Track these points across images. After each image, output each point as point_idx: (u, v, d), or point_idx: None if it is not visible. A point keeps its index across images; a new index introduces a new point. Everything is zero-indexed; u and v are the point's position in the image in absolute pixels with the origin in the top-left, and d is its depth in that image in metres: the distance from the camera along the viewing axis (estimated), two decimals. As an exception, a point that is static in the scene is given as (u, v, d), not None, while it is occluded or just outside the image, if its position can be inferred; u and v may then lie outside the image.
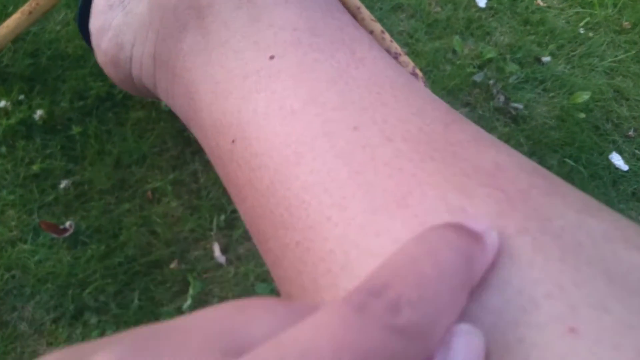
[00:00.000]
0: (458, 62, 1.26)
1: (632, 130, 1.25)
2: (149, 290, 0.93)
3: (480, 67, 1.26)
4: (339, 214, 0.19)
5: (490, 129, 1.19)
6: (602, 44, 1.36)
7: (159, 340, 0.12)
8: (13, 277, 0.91)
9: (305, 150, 0.21)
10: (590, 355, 0.15)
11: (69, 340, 0.88)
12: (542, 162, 1.16)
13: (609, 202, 1.14)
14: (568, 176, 1.15)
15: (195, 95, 0.25)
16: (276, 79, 0.22)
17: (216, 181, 1.02)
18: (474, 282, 0.16)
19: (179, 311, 0.92)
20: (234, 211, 0.98)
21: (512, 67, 1.27)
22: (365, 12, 0.89)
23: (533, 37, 1.34)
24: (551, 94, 1.26)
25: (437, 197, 0.19)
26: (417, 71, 0.88)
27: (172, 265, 0.95)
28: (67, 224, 0.95)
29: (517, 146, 1.18)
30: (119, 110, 1.05)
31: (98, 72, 1.05)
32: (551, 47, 1.33)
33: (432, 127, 0.21)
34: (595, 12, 1.41)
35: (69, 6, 1.11)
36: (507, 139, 1.18)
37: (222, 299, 0.94)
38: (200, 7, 0.25)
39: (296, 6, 0.24)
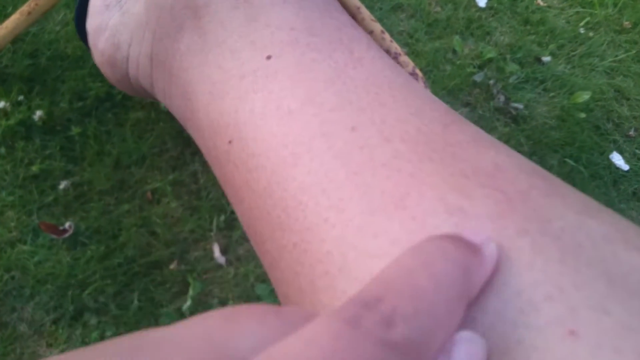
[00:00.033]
0: (458, 62, 1.26)
1: (632, 129, 1.25)
2: (148, 291, 0.93)
3: (481, 67, 1.26)
4: (336, 215, 0.19)
5: (491, 129, 1.19)
6: (603, 44, 1.36)
7: (144, 356, 0.11)
8: (12, 278, 0.91)
9: (302, 151, 0.21)
10: (590, 358, 0.15)
11: (69, 341, 0.88)
12: (542, 162, 1.16)
13: (610, 202, 1.14)
14: (568, 176, 1.15)
15: (192, 96, 0.24)
16: (273, 79, 0.22)
17: (216, 182, 1.02)
18: (472, 295, 0.15)
19: (179, 312, 0.92)
20: (234, 212, 0.98)
21: (512, 67, 1.26)
22: (365, 12, 0.89)
23: (533, 37, 1.34)
24: (551, 94, 1.26)
25: (436, 198, 0.18)
26: (417, 71, 0.88)
27: (172, 266, 0.95)
28: (67, 224, 0.95)
29: (518, 146, 1.18)
30: (118, 110, 1.05)
31: (97, 73, 1.04)
32: (551, 47, 1.33)
33: (431, 127, 0.21)
34: (596, 11, 1.41)
35: (68, 6, 1.11)
36: (507, 139, 1.18)
37: (222, 299, 0.94)
38: (196, 7, 0.24)
39: (294, 6, 0.24)
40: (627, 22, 1.41)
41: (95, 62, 0.29)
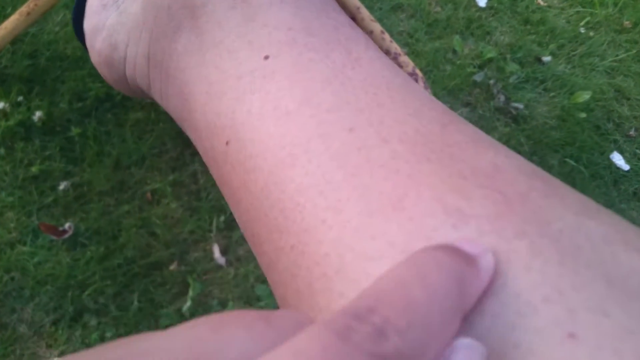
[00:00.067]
0: (458, 62, 1.25)
1: (633, 129, 1.25)
2: (148, 291, 0.93)
3: (481, 67, 1.26)
4: (334, 216, 0.19)
5: (491, 129, 1.18)
6: (603, 44, 1.36)
7: None
8: (12, 279, 0.91)
9: (299, 152, 0.20)
10: None
11: (69, 342, 0.88)
12: (542, 162, 1.16)
13: (610, 202, 1.14)
14: (569, 176, 1.15)
15: (189, 96, 0.24)
16: (271, 79, 0.22)
17: (215, 182, 1.02)
18: (467, 307, 0.15)
19: (179, 313, 0.92)
20: (234, 212, 0.98)
21: (512, 66, 1.26)
22: (365, 12, 0.88)
23: (533, 36, 1.34)
24: (552, 94, 1.26)
25: (434, 199, 0.18)
26: (417, 71, 0.88)
27: (172, 267, 0.95)
28: (67, 225, 0.95)
29: (518, 146, 1.17)
30: (118, 111, 1.05)
31: (97, 74, 1.04)
32: (552, 46, 1.33)
33: (429, 128, 0.21)
34: (596, 11, 1.41)
35: (68, 7, 1.10)
36: (507, 138, 1.17)
37: (222, 300, 0.93)
38: (194, 7, 0.24)
39: (291, 6, 0.24)
40: (627, 22, 1.41)
41: (92, 62, 0.29)
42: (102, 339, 0.89)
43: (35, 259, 0.92)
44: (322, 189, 0.20)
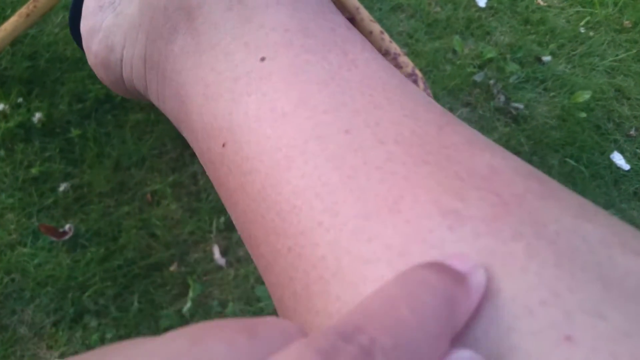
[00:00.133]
0: (458, 62, 1.25)
1: (633, 129, 1.25)
2: (148, 293, 0.93)
3: (481, 67, 1.26)
4: (330, 219, 0.19)
5: (491, 129, 1.18)
6: (603, 43, 1.36)
7: None
8: (12, 280, 0.91)
9: (296, 154, 0.20)
10: None
11: (69, 344, 0.88)
12: (543, 162, 1.16)
13: (611, 202, 1.14)
14: (569, 176, 1.15)
15: (185, 98, 0.24)
16: (267, 81, 0.22)
17: (216, 183, 1.02)
18: (456, 328, 0.15)
19: (179, 314, 0.92)
20: (234, 213, 0.98)
21: (512, 66, 1.26)
22: (364, 13, 0.88)
23: (533, 36, 1.34)
24: (552, 94, 1.26)
25: (430, 201, 0.18)
26: (417, 71, 0.88)
27: (172, 268, 0.95)
28: (67, 227, 0.95)
29: (518, 146, 1.17)
30: (117, 112, 1.05)
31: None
32: (552, 46, 1.33)
33: (426, 129, 0.21)
34: (596, 11, 1.40)
35: (67, 8, 1.11)
36: (507, 139, 1.17)
37: (222, 301, 0.93)
38: (190, 9, 0.24)
39: (288, 7, 0.24)
40: (627, 22, 1.40)
41: (89, 64, 0.29)
42: (102, 340, 0.89)
43: (36, 261, 0.92)
44: (319, 191, 0.19)
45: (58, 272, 0.92)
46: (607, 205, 1.13)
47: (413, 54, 1.24)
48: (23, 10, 0.81)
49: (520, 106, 1.22)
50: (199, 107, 0.23)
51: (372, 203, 0.18)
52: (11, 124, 0.99)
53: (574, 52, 1.33)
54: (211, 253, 0.97)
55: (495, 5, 1.37)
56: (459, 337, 0.15)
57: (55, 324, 0.89)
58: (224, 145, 0.22)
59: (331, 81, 0.21)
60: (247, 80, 0.22)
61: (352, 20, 0.85)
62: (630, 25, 1.40)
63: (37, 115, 1.00)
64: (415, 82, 0.82)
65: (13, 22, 0.82)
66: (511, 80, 1.25)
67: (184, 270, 0.95)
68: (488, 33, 1.32)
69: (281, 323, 0.13)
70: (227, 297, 0.94)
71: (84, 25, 0.28)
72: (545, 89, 1.26)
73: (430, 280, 0.14)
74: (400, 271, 0.17)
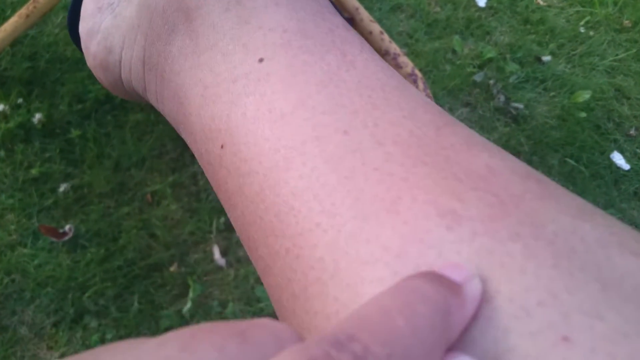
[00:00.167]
0: (458, 62, 1.25)
1: (633, 129, 1.25)
2: (148, 293, 0.93)
3: (480, 67, 1.26)
4: (328, 220, 0.19)
5: (491, 129, 1.18)
6: (603, 43, 1.35)
7: None
8: (13, 281, 0.91)
9: (294, 155, 0.20)
10: None
11: (69, 344, 0.88)
12: (543, 161, 1.16)
13: (611, 202, 1.14)
14: (569, 176, 1.15)
15: (184, 100, 0.24)
16: (265, 82, 0.22)
17: (216, 183, 1.02)
18: (451, 339, 0.15)
19: (179, 314, 0.92)
20: (234, 213, 0.98)
21: (512, 66, 1.26)
22: (364, 13, 0.88)
23: (533, 36, 1.33)
24: (552, 94, 1.26)
25: (428, 202, 0.18)
26: (417, 72, 0.88)
27: (172, 268, 0.95)
28: (67, 227, 0.95)
29: (518, 146, 1.17)
30: (117, 113, 1.05)
31: (97, 75, 1.05)
32: (551, 46, 1.33)
33: (424, 130, 0.21)
34: (596, 10, 1.40)
35: (67, 9, 1.11)
36: (507, 138, 1.17)
37: (222, 301, 0.93)
38: (188, 10, 0.24)
39: (286, 8, 0.24)
40: (627, 21, 1.40)
41: (88, 65, 0.29)
42: (102, 341, 0.89)
43: (36, 261, 0.92)
44: (317, 192, 0.19)
45: (58, 273, 0.92)
46: (607, 205, 1.13)
47: (413, 54, 1.24)
48: (23, 11, 0.81)
49: (520, 106, 1.22)
50: (198, 108, 0.23)
51: (370, 204, 0.18)
52: (11, 124, 0.99)
53: (573, 52, 1.33)
54: (211, 253, 0.97)
55: (495, 5, 1.36)
56: (456, 338, 0.15)
57: (55, 325, 0.89)
58: (222, 147, 0.22)
59: (329, 82, 0.21)
60: (246, 82, 0.22)
61: (352, 20, 0.85)
62: (630, 25, 1.40)
63: (37, 116, 1.00)
64: (414, 82, 0.82)
65: (13, 22, 0.82)
66: (511, 80, 1.25)
67: (184, 271, 0.95)
68: (488, 33, 1.32)
69: (274, 326, 0.13)
70: (227, 298, 0.94)
71: (83, 27, 0.28)
72: (545, 89, 1.26)
73: (425, 290, 0.14)
74: (398, 272, 0.17)
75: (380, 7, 1.29)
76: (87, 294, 0.91)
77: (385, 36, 0.84)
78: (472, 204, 0.18)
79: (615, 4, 1.42)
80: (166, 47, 0.25)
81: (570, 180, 1.14)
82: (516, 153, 1.16)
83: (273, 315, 0.22)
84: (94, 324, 0.90)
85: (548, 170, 1.15)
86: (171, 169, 1.02)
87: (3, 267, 0.91)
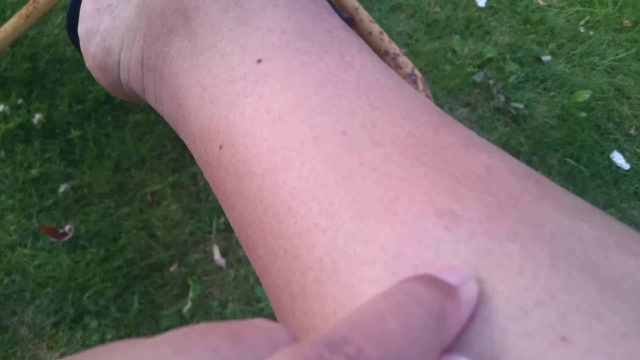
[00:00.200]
0: (458, 62, 1.25)
1: (633, 128, 1.25)
2: (149, 293, 0.93)
3: (480, 67, 1.26)
4: (326, 221, 0.19)
5: (491, 129, 1.18)
6: (603, 43, 1.35)
7: None
8: (13, 281, 0.91)
9: (292, 156, 0.20)
10: None
11: (69, 344, 0.88)
12: (543, 161, 1.16)
13: (611, 202, 1.14)
14: (569, 175, 1.15)
15: (182, 101, 0.24)
16: (264, 83, 0.22)
17: (215, 184, 1.02)
18: (446, 342, 0.15)
19: (179, 314, 0.92)
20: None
21: (512, 66, 1.26)
22: (364, 13, 0.88)
23: (533, 36, 1.33)
24: (552, 93, 1.26)
25: (426, 202, 0.18)
26: (416, 72, 0.88)
27: (172, 269, 0.95)
28: (67, 228, 0.95)
29: (518, 146, 1.17)
30: (117, 113, 1.05)
31: (96, 76, 1.05)
32: (551, 46, 1.33)
33: (422, 131, 0.21)
34: (596, 10, 1.40)
35: (67, 10, 1.11)
36: (507, 138, 1.17)
37: (222, 301, 0.93)
38: (187, 11, 0.24)
39: (285, 9, 0.24)
40: (627, 21, 1.40)
41: (87, 66, 0.29)
42: (102, 341, 0.89)
43: (36, 262, 0.92)
44: (315, 192, 0.19)
45: (58, 273, 0.92)
46: (607, 204, 1.13)
47: (413, 54, 1.24)
48: (23, 11, 0.81)
49: (520, 106, 1.22)
50: (196, 109, 0.23)
51: (368, 204, 0.18)
52: (11, 125, 0.99)
53: (573, 52, 1.33)
54: (211, 253, 0.97)
55: (495, 5, 1.37)
56: (452, 340, 0.15)
57: (55, 325, 0.89)
58: (220, 148, 0.22)
59: (328, 83, 0.21)
60: (244, 82, 0.22)
61: (351, 20, 0.85)
62: (630, 25, 1.40)
63: (37, 117, 1.01)
64: (414, 82, 0.82)
65: (13, 23, 0.82)
66: (511, 80, 1.25)
67: (184, 271, 0.95)
68: (488, 33, 1.32)
69: (269, 327, 0.13)
70: (227, 298, 0.94)
71: (82, 28, 0.28)
72: (545, 89, 1.26)
73: (420, 293, 0.14)
74: (396, 272, 0.17)
75: (379, 7, 1.29)
76: (87, 294, 0.91)
77: (385, 36, 0.84)
78: (470, 204, 0.18)
79: (615, 3, 1.42)
80: (165, 48, 0.25)
81: (571, 180, 1.14)
82: (516, 153, 1.16)
83: (272, 316, 0.22)
84: (94, 324, 0.90)
85: (548, 170, 1.15)
86: (171, 170, 1.02)
87: (3, 267, 0.91)
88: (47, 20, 1.10)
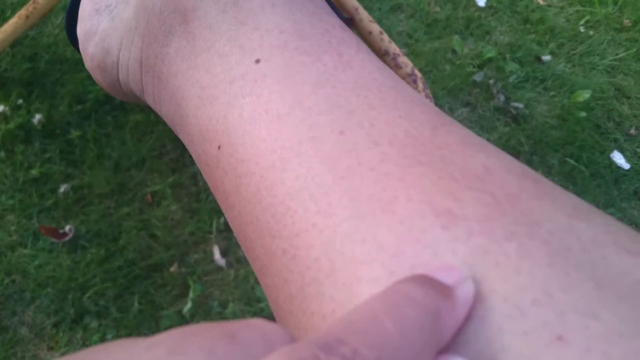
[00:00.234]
0: (458, 62, 1.25)
1: (633, 128, 1.25)
2: (149, 293, 0.93)
3: (480, 67, 1.26)
4: (324, 220, 0.19)
5: (491, 129, 1.18)
6: (603, 42, 1.35)
7: None
8: (13, 281, 0.91)
9: (290, 156, 0.20)
10: None
11: (70, 345, 0.88)
12: (543, 161, 1.16)
13: (611, 201, 1.14)
14: (569, 175, 1.15)
15: (181, 101, 0.24)
16: (262, 83, 0.22)
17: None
18: (442, 342, 0.15)
19: (180, 314, 0.92)
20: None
21: (512, 66, 1.26)
22: (364, 13, 0.88)
23: (533, 36, 1.33)
24: (552, 93, 1.26)
25: (424, 202, 0.18)
26: (416, 72, 0.88)
27: (172, 269, 0.95)
28: (67, 228, 0.95)
29: (518, 145, 1.17)
30: (117, 113, 1.05)
31: (96, 76, 1.05)
32: (551, 45, 1.33)
33: (420, 130, 0.21)
34: (596, 10, 1.40)
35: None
36: (507, 138, 1.17)
37: (223, 301, 0.94)
38: (185, 11, 0.24)
39: (283, 9, 0.24)
40: (627, 20, 1.40)
41: (86, 67, 0.29)
42: (103, 341, 0.89)
43: (36, 262, 0.92)
44: (313, 192, 0.19)
45: (58, 273, 0.92)
46: (608, 204, 1.13)
47: (413, 54, 1.24)
48: (22, 12, 0.81)
49: (520, 106, 1.22)
50: (195, 109, 0.23)
51: (366, 204, 0.18)
52: (11, 125, 0.99)
53: (573, 52, 1.33)
54: (211, 254, 0.97)
55: (495, 4, 1.36)
56: (449, 340, 0.15)
57: (55, 325, 0.89)
58: (219, 148, 0.22)
59: (326, 83, 0.21)
60: (242, 83, 0.22)
61: (351, 20, 0.85)
62: (630, 24, 1.40)
63: (37, 117, 1.01)
64: (414, 82, 0.82)
65: (13, 23, 0.82)
66: (511, 79, 1.25)
67: (184, 271, 0.95)
68: (487, 33, 1.32)
69: (264, 327, 0.13)
70: (227, 298, 0.94)
71: (81, 29, 0.29)
72: (545, 89, 1.26)
73: (415, 294, 0.14)
74: (393, 271, 0.17)
75: (379, 7, 1.29)
76: (87, 295, 0.91)
77: (385, 36, 0.84)
78: (467, 203, 0.18)
79: (615, 3, 1.42)
80: (163, 49, 0.25)
81: (571, 179, 1.14)
82: (516, 153, 1.16)
83: (272, 316, 0.22)
84: (94, 324, 0.90)
85: (548, 170, 1.14)
86: (171, 170, 1.02)
87: (3, 267, 0.91)
88: (47, 20, 1.10)
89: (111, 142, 1.02)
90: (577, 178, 1.15)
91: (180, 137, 0.26)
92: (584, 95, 1.24)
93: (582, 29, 1.37)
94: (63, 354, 0.87)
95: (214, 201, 1.00)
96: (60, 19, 1.11)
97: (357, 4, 0.84)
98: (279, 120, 0.21)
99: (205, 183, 1.01)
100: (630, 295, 0.16)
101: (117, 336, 0.90)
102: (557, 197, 0.19)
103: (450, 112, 1.18)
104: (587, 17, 1.39)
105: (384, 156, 0.19)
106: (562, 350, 0.15)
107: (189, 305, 0.92)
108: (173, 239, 0.97)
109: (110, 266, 0.94)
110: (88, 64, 0.29)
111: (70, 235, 0.95)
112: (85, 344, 0.89)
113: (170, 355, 0.11)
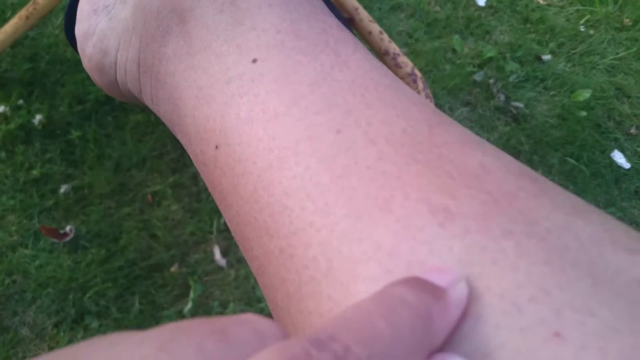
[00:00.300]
0: (458, 62, 1.25)
1: (634, 127, 1.25)
2: (149, 293, 0.93)
3: (480, 66, 1.26)
4: (322, 219, 0.19)
5: (491, 128, 1.18)
6: (603, 42, 1.35)
7: None
8: (14, 282, 0.91)
9: (288, 155, 0.20)
10: None
11: (70, 345, 0.89)
12: (543, 161, 1.16)
13: (612, 201, 1.14)
14: (570, 175, 1.15)
15: (178, 101, 0.24)
16: (259, 82, 0.22)
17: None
18: (434, 344, 0.15)
19: (180, 314, 0.92)
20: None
21: (512, 65, 1.26)
22: (364, 13, 0.88)
23: (533, 35, 1.33)
24: (552, 93, 1.26)
25: (420, 200, 0.18)
26: (416, 71, 0.88)
27: (173, 269, 0.95)
28: (67, 228, 0.95)
29: (518, 145, 1.17)
30: (118, 114, 1.05)
31: (97, 76, 1.05)
32: (551, 45, 1.33)
33: (417, 129, 0.21)
34: (596, 9, 1.40)
35: (67, 11, 1.11)
36: (507, 138, 1.17)
37: (223, 301, 0.94)
38: (182, 11, 0.24)
39: (280, 9, 0.24)
40: (627, 20, 1.40)
41: (84, 67, 0.29)
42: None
43: (37, 262, 0.93)
44: (310, 191, 0.20)
45: (59, 274, 0.92)
46: (608, 204, 1.13)
47: (413, 54, 1.24)
48: (23, 12, 0.81)
49: (520, 105, 1.22)
50: (192, 109, 0.23)
51: (363, 203, 0.18)
52: (12, 126, 1.00)
53: (574, 51, 1.33)
54: (212, 254, 0.97)
55: (495, 4, 1.36)
56: (442, 341, 0.15)
57: (56, 325, 0.90)
58: (216, 148, 0.22)
59: (323, 82, 0.21)
60: (239, 82, 0.22)
61: (351, 20, 0.85)
62: (630, 23, 1.40)
63: (38, 117, 1.01)
64: (414, 81, 0.82)
65: (13, 24, 0.82)
66: (511, 79, 1.25)
67: (184, 271, 0.95)
68: (488, 32, 1.32)
69: (256, 323, 0.13)
70: (227, 298, 0.94)
71: (79, 29, 0.29)
72: (545, 88, 1.26)
73: (407, 296, 0.14)
74: (390, 270, 0.17)
75: (379, 6, 1.29)
76: (88, 295, 0.92)
77: (385, 36, 0.84)
78: (464, 201, 0.18)
79: (615, 2, 1.42)
80: (160, 49, 0.25)
81: (571, 179, 1.14)
82: (516, 152, 1.16)
83: (272, 316, 0.22)
84: (95, 324, 0.90)
85: (548, 170, 1.14)
86: (172, 170, 1.02)
87: (4, 268, 0.91)
88: (47, 21, 1.10)
89: (112, 142, 1.02)
90: (578, 177, 1.15)
91: (178, 137, 0.26)
92: (585, 94, 1.24)
93: (582, 28, 1.37)
94: (64, 354, 0.88)
95: (214, 201, 1.01)
96: (60, 19, 1.11)
97: (357, 4, 0.84)
98: (276, 119, 0.21)
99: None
100: (627, 292, 0.16)
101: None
102: (555, 196, 0.19)
103: (451, 111, 1.18)
104: (587, 17, 1.39)
105: (380, 155, 0.19)
106: (559, 346, 0.15)
107: (189, 305, 0.92)
108: (173, 239, 0.97)
109: (110, 266, 0.94)
110: (86, 64, 0.29)
111: (71, 235, 0.95)
112: (86, 344, 0.89)
113: (159, 352, 0.11)
